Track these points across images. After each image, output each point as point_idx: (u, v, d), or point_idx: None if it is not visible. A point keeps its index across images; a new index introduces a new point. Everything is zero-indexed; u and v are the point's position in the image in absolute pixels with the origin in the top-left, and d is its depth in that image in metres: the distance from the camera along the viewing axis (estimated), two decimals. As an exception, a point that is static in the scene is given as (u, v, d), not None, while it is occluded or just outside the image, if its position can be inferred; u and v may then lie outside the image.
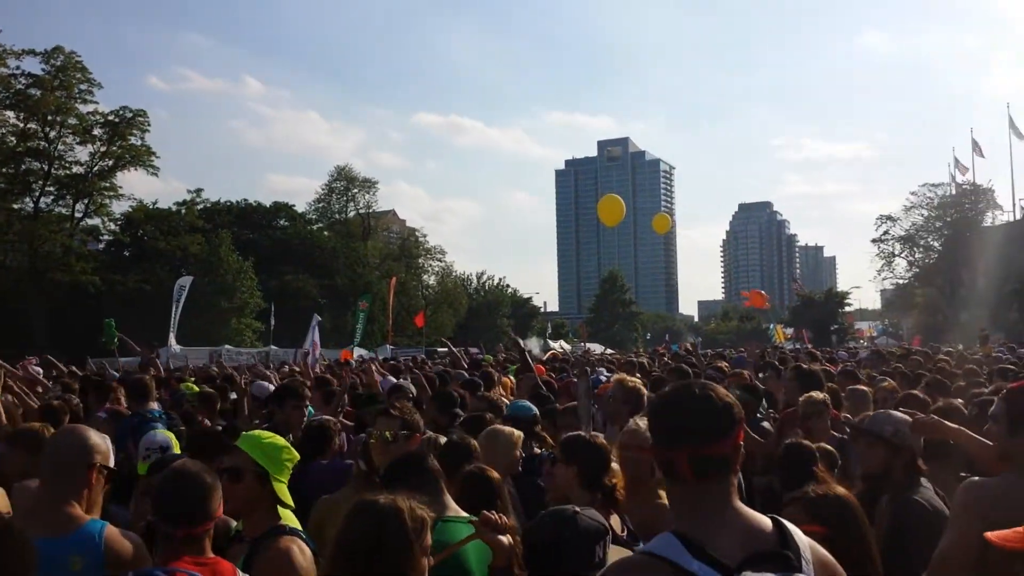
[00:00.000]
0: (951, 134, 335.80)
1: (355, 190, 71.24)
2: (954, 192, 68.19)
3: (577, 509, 2.48)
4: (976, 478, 2.98)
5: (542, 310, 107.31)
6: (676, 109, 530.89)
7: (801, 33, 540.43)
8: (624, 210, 21.52)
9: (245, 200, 65.62)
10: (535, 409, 5.49)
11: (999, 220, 67.88)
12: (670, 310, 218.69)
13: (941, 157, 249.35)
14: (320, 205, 71.62)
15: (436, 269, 75.29)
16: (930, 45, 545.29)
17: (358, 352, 32.72)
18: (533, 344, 41.85)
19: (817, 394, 5.68)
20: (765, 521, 1.90)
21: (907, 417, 3.75)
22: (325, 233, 67.72)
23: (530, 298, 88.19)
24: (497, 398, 6.70)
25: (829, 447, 4.39)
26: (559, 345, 44.94)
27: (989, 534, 1.90)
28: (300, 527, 3.19)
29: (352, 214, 71.84)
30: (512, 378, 9.72)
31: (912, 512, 3.32)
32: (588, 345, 42.66)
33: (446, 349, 30.01)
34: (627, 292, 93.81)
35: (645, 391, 5.40)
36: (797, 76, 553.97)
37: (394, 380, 9.03)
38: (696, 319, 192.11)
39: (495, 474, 3.48)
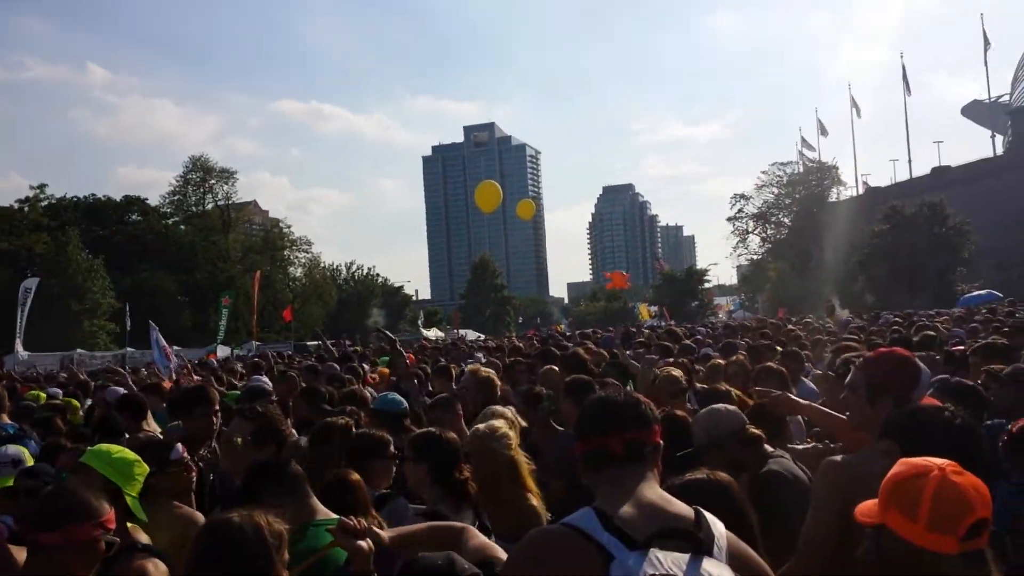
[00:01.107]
0: (799, 114, 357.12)
1: (212, 181, 68.24)
2: (802, 170, 72.28)
3: (453, 557, 2.36)
4: (836, 457, 3.00)
5: (414, 298, 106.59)
6: (540, 93, 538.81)
7: (656, 15, 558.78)
8: (501, 196, 21.55)
9: (93, 195, 62.10)
10: (403, 403, 5.36)
11: (844, 195, 72.60)
12: (541, 293, 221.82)
13: (790, 136, 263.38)
14: (175, 198, 68.22)
15: (303, 261, 73.37)
16: (778, 26, 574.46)
17: (222, 351, 31.57)
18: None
19: (674, 371, 5.80)
20: (685, 508, 2.02)
21: (725, 408, 3.76)
22: (182, 227, 64.77)
23: (401, 287, 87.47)
24: (363, 392, 6.55)
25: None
26: (432, 333, 44.78)
27: (857, 511, 1.96)
28: (151, 542, 3.07)
29: (210, 206, 68.84)
30: (388, 369, 9.53)
31: (770, 486, 3.34)
32: (462, 332, 42.75)
33: (317, 343, 29.28)
34: (499, 277, 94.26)
35: (498, 381, 5.44)
36: (654, 59, 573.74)
37: (262, 379, 8.70)
38: (566, 301, 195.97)
39: (355, 477, 3.35)
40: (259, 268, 53.56)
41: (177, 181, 68.15)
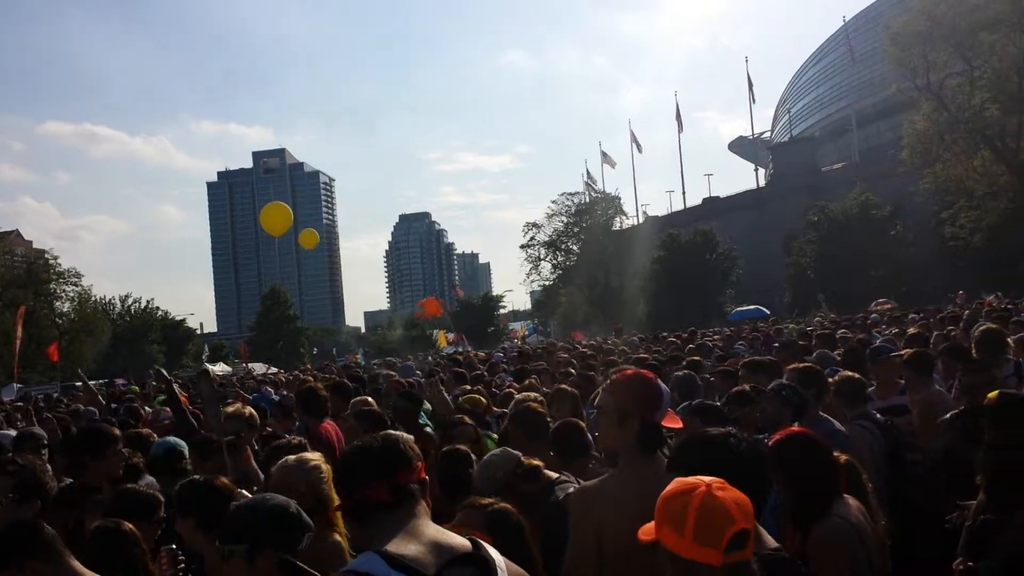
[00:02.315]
0: (585, 147, 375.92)
1: (-37, 207, 61.32)
2: (588, 200, 75.97)
3: None
4: (584, 484, 3.11)
5: (198, 332, 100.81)
6: (333, 121, 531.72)
7: (448, 50, 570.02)
8: (291, 218, 20.33)
9: None
10: (182, 444, 4.95)
11: (627, 224, 77.06)
12: (337, 323, 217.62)
13: (577, 168, 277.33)
14: (-83, 226, 60.62)
15: (71, 295, 67.17)
16: (566, 64, 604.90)
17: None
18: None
19: (477, 396, 5.80)
20: (459, 538, 2.09)
21: (498, 454, 3.85)
22: (-74, 260, 57.53)
23: (184, 320, 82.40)
24: (149, 433, 6.06)
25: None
26: (219, 368, 42.46)
27: (641, 530, 2.01)
28: None
29: (-39, 236, 61.70)
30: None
31: (549, 516, 3.39)
32: (250, 365, 40.78)
33: (79, 384, 26.72)
34: (291, 307, 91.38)
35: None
36: (448, 91, 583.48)
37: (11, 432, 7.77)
38: (363, 330, 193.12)
39: (128, 527, 2.99)
40: (21, 303, 48.45)
41: (-81, 207, 60.69)
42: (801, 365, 5.55)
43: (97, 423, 6.76)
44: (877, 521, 3.15)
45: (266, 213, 20.48)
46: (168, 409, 8.13)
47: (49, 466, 4.94)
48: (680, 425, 3.22)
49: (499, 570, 2.05)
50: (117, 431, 5.05)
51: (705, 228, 57.12)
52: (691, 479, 1.97)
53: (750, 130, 78.67)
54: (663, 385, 3.12)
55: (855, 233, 45.56)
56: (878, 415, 5.17)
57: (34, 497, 3.43)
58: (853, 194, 48.59)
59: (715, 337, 16.25)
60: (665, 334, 18.23)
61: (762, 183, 76.19)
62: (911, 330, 9.82)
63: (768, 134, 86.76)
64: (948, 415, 5.03)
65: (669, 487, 1.98)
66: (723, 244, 56.04)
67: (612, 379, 3.29)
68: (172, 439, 5.07)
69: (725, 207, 69.66)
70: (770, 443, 3.29)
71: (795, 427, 3.85)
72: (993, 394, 4.31)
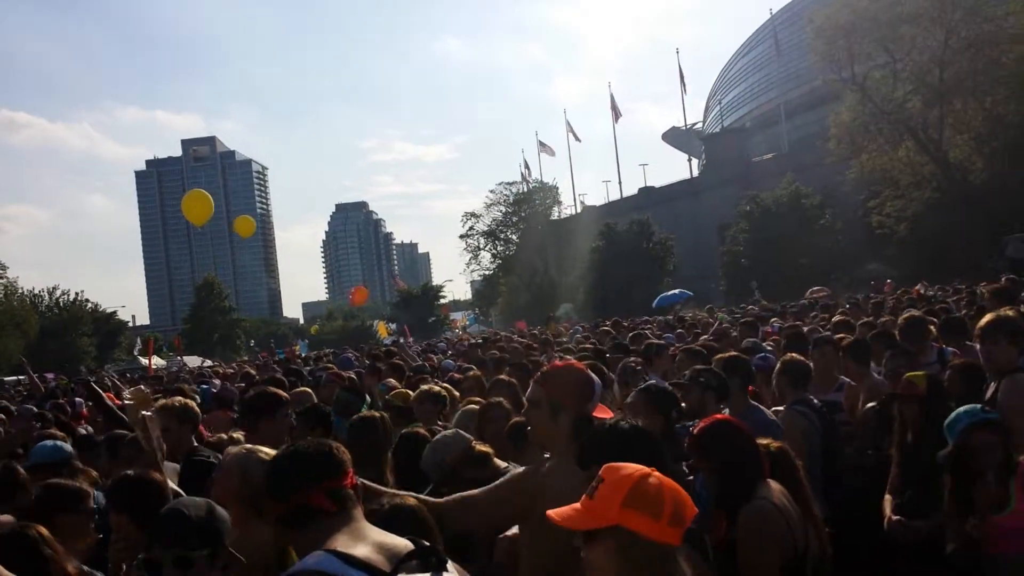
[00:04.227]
0: (522, 137, 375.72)
1: None
2: (526, 190, 76.16)
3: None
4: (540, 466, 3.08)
5: (130, 324, 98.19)
6: (264, 110, 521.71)
7: (380, 37, 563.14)
8: (212, 206, 19.77)
9: None
10: (67, 449, 5.06)
11: (564, 213, 77.50)
12: (274, 314, 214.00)
13: (515, 158, 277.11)
14: None
15: (-5, 287, 64.70)
16: (501, 55, 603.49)
17: None
18: None
19: (434, 387, 5.95)
20: (401, 539, 2.09)
21: (449, 434, 3.88)
22: None
23: (115, 312, 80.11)
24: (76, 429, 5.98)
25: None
26: (155, 361, 41.45)
27: (550, 512, 2.05)
28: None
29: None
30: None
31: None
32: (184, 358, 39.93)
33: (16, 378, 25.89)
34: (226, 298, 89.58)
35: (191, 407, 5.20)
36: (383, 79, 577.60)
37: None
38: (302, 321, 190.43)
39: (40, 531, 2.90)
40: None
41: None
42: (728, 353, 5.71)
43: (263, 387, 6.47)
44: (811, 507, 3.19)
45: (187, 202, 19.77)
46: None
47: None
48: (611, 415, 3.26)
49: (449, 564, 2.07)
50: (286, 395, 5.08)
51: (641, 217, 57.79)
52: (629, 466, 2.02)
53: (683, 121, 79.74)
54: (595, 377, 3.14)
55: (786, 222, 46.65)
56: (815, 400, 5.21)
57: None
58: (783, 184, 49.62)
59: (651, 326, 16.53)
60: (604, 323, 18.45)
61: (695, 173, 77.36)
62: (836, 318, 10.07)
63: (700, 125, 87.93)
64: (870, 404, 5.29)
65: (620, 474, 1.99)
66: (659, 233, 56.81)
67: (543, 371, 3.24)
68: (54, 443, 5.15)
69: (660, 196, 70.51)
70: (694, 430, 3.34)
71: (720, 414, 3.89)
72: (919, 374, 4.52)
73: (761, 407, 4.99)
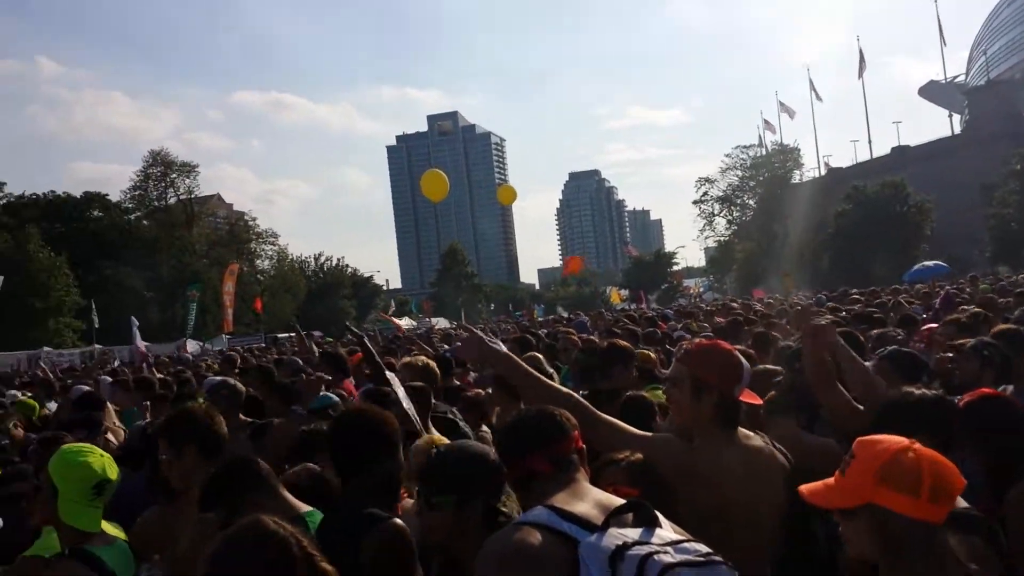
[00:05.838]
0: (760, 98, 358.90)
1: (174, 175, 66.91)
2: (764, 153, 72.94)
3: None
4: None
5: (385, 288, 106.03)
6: (502, 82, 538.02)
7: (616, 2, 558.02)
8: (447, 184, 20.81)
9: (53, 192, 60.66)
10: (334, 398, 5.44)
11: (806, 176, 73.42)
12: (512, 280, 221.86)
13: (752, 120, 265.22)
14: (136, 193, 66.85)
15: (270, 254, 72.57)
16: (737, 12, 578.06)
17: (192, 345, 31.20)
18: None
19: (650, 352, 5.93)
20: (617, 499, 2.10)
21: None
22: (144, 222, 63.69)
23: (371, 277, 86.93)
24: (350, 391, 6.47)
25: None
26: (404, 322, 44.63)
27: (801, 488, 2.03)
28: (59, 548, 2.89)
29: (173, 200, 67.69)
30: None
31: None
32: (433, 320, 42.62)
33: (287, 335, 28.86)
34: (468, 265, 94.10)
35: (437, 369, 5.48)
36: (614, 47, 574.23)
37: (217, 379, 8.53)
38: (537, 287, 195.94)
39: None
40: (225, 262, 52.80)
41: (137, 176, 66.88)
42: (1007, 326, 5.20)
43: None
44: None
45: (425, 181, 20.92)
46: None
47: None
48: (759, 402, 3.10)
49: (662, 520, 2.00)
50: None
51: (895, 179, 53.37)
52: (885, 439, 1.94)
53: (943, 74, 72.37)
54: (743, 359, 2.90)
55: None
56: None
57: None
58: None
59: (902, 295, 15.32)
60: (854, 292, 17.33)
61: (957, 130, 70.08)
62: None
63: (963, 78, 79.34)
64: None
65: (873, 449, 1.91)
66: (914, 196, 52.20)
67: (686, 349, 3.08)
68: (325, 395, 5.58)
69: (916, 155, 64.85)
70: (961, 404, 3.10)
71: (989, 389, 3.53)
72: None
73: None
